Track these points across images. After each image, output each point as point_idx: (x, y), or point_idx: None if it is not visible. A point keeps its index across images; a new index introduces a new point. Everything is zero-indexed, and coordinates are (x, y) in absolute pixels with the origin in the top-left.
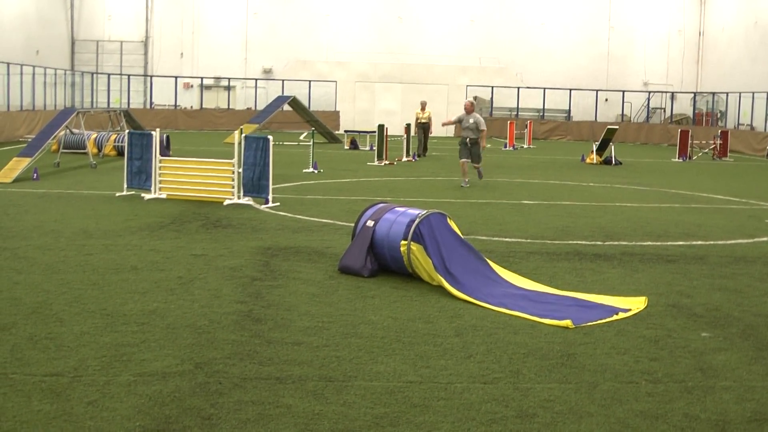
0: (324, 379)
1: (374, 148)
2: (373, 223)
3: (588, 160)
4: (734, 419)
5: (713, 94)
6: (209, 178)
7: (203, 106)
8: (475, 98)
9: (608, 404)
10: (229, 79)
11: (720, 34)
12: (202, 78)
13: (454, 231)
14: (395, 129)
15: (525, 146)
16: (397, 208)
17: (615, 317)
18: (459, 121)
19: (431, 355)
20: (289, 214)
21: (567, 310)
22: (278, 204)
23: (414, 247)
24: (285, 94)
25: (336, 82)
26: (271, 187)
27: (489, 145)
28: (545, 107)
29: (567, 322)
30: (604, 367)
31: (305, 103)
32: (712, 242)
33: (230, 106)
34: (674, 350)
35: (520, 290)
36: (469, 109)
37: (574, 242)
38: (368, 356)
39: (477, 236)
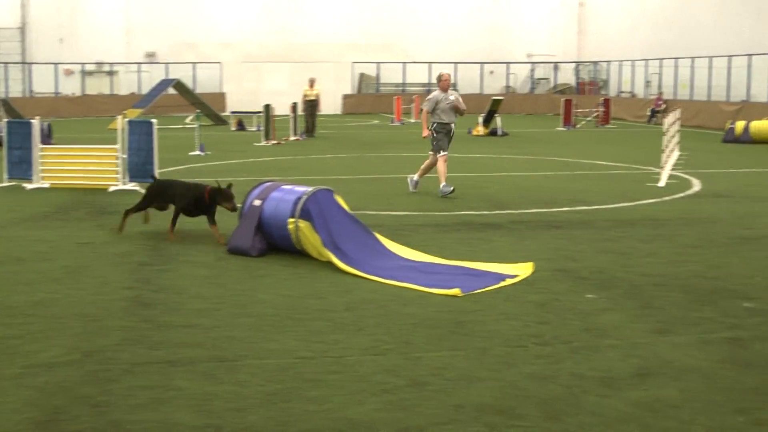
0: (216, 359)
1: (261, 128)
2: (260, 202)
3: (474, 132)
4: (619, 375)
5: (595, 63)
6: (93, 165)
7: (86, 92)
8: (361, 75)
9: (498, 368)
10: (111, 64)
11: (600, 4)
12: (83, 64)
13: (342, 206)
14: (283, 109)
15: (412, 121)
16: (283, 186)
17: (503, 284)
18: (436, 106)
19: (323, 330)
20: None
21: (456, 280)
22: None
23: (302, 224)
24: (169, 78)
25: (221, 63)
26: (157, 171)
27: (427, 132)
28: (431, 82)
29: (456, 291)
30: (493, 333)
31: (190, 85)
32: (596, 207)
33: (114, 92)
34: (561, 313)
35: (410, 262)
36: (447, 84)
37: (463, 213)
38: (260, 335)
39: (366, 211)
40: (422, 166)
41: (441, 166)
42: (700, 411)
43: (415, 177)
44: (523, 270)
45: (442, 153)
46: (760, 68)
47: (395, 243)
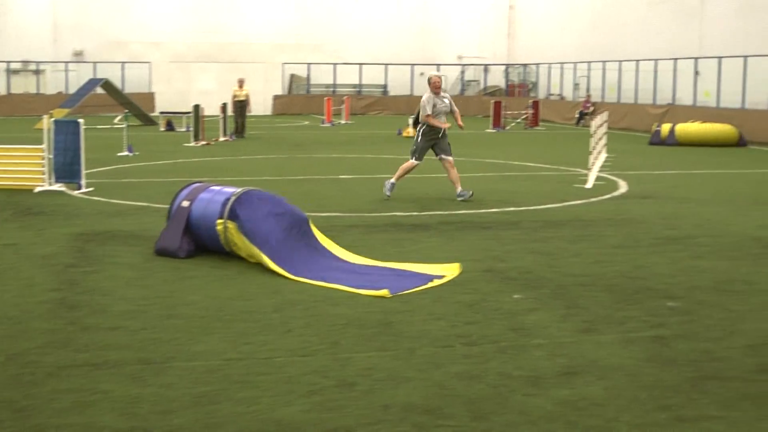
0: (143, 362)
1: (191, 128)
2: (188, 203)
3: (405, 134)
4: (546, 374)
5: (525, 65)
6: (18, 165)
7: (11, 91)
8: (292, 76)
9: (426, 368)
10: (38, 62)
11: (530, 7)
12: (8, 62)
13: (276, 201)
14: (213, 109)
15: (343, 122)
16: (212, 187)
17: (430, 284)
18: (433, 111)
19: (251, 331)
20: (104, 199)
21: (384, 280)
22: (92, 189)
23: (230, 225)
24: (97, 77)
25: (151, 63)
26: (83, 171)
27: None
28: (362, 83)
29: (384, 292)
30: (421, 333)
31: (119, 85)
32: (525, 208)
33: (40, 91)
34: (489, 313)
35: (341, 262)
36: (438, 87)
37: (392, 214)
38: (188, 336)
39: None
40: (399, 169)
41: (453, 173)
42: (624, 408)
43: (392, 180)
44: (450, 271)
45: (417, 161)
46: (685, 72)
47: (327, 239)
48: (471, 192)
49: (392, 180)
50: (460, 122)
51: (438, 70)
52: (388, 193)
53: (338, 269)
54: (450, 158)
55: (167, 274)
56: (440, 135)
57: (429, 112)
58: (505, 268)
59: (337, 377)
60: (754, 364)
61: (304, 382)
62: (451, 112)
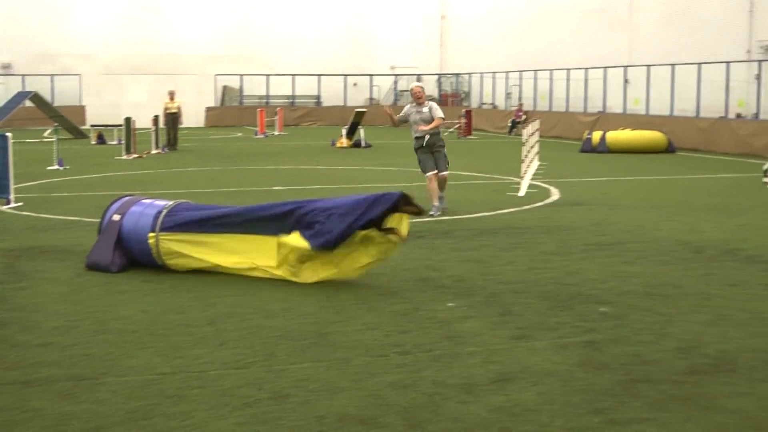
0: (74, 378)
1: (122, 141)
2: (119, 216)
3: (338, 144)
4: (479, 381)
5: (457, 75)
6: None
7: None
8: (224, 87)
9: (360, 378)
10: None
11: (462, 18)
12: None
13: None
14: (145, 122)
15: (276, 133)
16: (143, 200)
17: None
18: (405, 120)
19: (185, 345)
20: (34, 214)
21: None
22: (21, 204)
23: (163, 238)
24: (26, 90)
25: (81, 75)
26: (12, 186)
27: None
28: (295, 94)
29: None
30: (356, 343)
31: (48, 98)
32: (458, 217)
33: None
34: (422, 322)
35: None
36: (420, 95)
37: None
38: (120, 351)
39: None
40: (428, 191)
41: (430, 184)
42: (558, 413)
43: (435, 203)
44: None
45: (428, 172)
46: (615, 80)
47: None
48: (441, 210)
49: (435, 203)
50: (424, 126)
51: (371, 80)
52: (437, 213)
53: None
54: (441, 173)
55: (99, 289)
56: (423, 144)
57: (394, 119)
58: (438, 276)
59: (272, 389)
60: (684, 366)
61: (239, 395)
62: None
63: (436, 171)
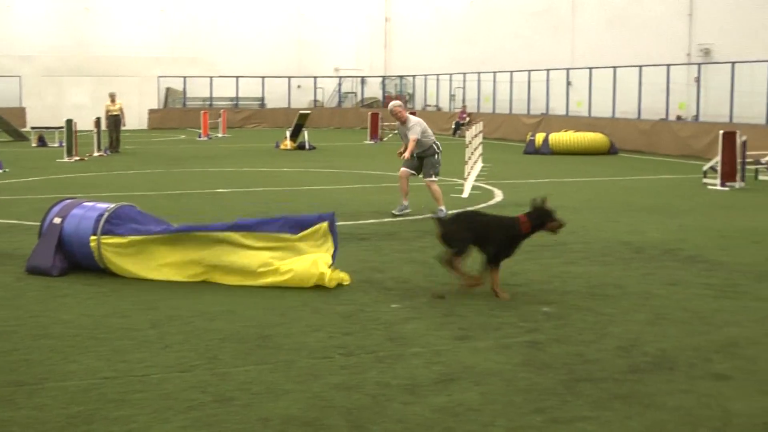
0: (13, 384)
1: (64, 144)
2: (60, 219)
3: (282, 146)
4: (423, 382)
5: (401, 77)
6: None
7: None
8: (167, 89)
9: (304, 380)
10: None
11: (406, 20)
12: None
13: (149, 215)
14: (86, 124)
15: (220, 135)
16: (85, 203)
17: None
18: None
19: (127, 349)
20: None
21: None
22: None
23: (104, 241)
24: None
25: (21, 77)
26: None
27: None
28: (239, 96)
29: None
30: (299, 345)
31: None
32: (402, 219)
33: None
34: (366, 323)
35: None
36: (400, 115)
37: None
38: (61, 356)
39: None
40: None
41: (401, 181)
42: (500, 413)
43: (441, 207)
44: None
45: (402, 168)
46: (558, 83)
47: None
48: (404, 209)
49: (404, 202)
50: (403, 150)
51: (315, 82)
52: (399, 212)
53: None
54: (427, 179)
55: (39, 293)
56: (415, 156)
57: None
58: (382, 278)
59: (216, 392)
60: (625, 365)
61: (182, 399)
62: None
63: (408, 170)
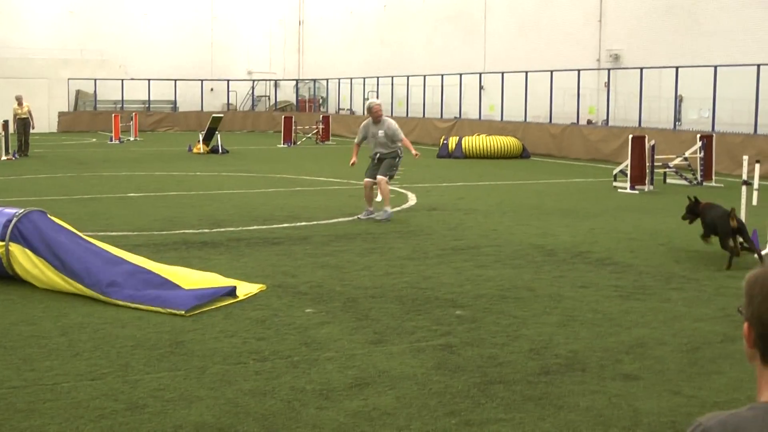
0: None
1: None
2: None
3: (195, 150)
4: (337, 386)
5: (315, 80)
6: None
7: None
8: (78, 92)
9: (217, 386)
10: None
11: (319, 23)
12: None
13: (59, 224)
14: None
15: (131, 139)
16: None
17: (226, 301)
18: (363, 139)
19: (36, 357)
20: None
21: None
22: None
23: (13, 247)
24: None
25: None
26: None
27: (355, 159)
28: (151, 99)
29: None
30: (213, 351)
31: None
32: (315, 222)
33: None
34: (280, 328)
35: (138, 268)
36: (378, 114)
37: (181, 231)
38: None
39: (84, 232)
40: (379, 195)
41: (366, 190)
42: (415, 416)
43: (387, 207)
44: (249, 289)
45: (366, 178)
46: (471, 87)
47: (121, 250)
48: (372, 209)
49: (369, 208)
50: (414, 149)
51: (228, 85)
52: (364, 217)
53: (141, 282)
54: (381, 176)
55: None
56: (376, 159)
57: (356, 141)
58: (296, 283)
59: (128, 400)
60: (537, 367)
61: (93, 407)
62: (393, 143)
63: (371, 180)
